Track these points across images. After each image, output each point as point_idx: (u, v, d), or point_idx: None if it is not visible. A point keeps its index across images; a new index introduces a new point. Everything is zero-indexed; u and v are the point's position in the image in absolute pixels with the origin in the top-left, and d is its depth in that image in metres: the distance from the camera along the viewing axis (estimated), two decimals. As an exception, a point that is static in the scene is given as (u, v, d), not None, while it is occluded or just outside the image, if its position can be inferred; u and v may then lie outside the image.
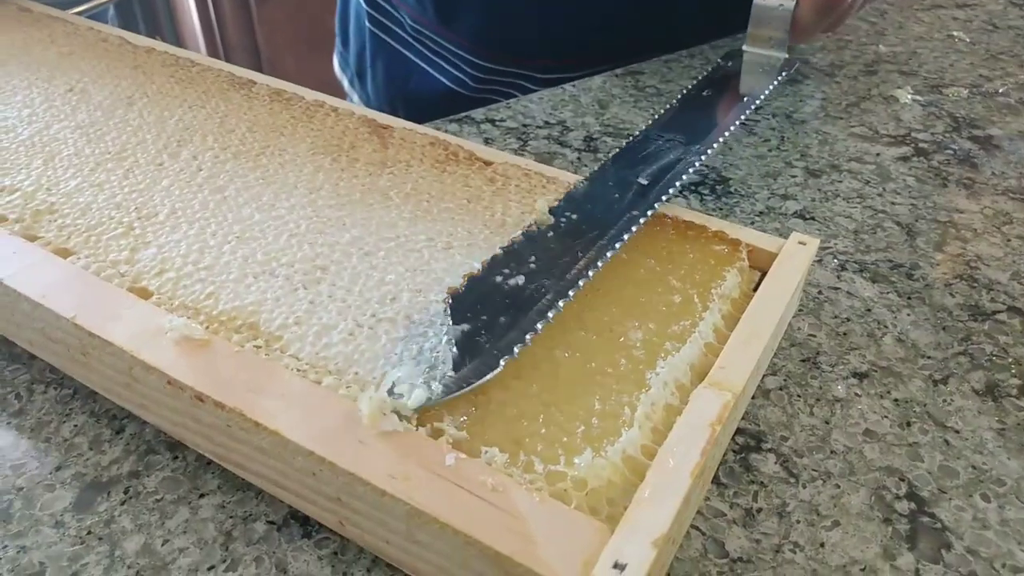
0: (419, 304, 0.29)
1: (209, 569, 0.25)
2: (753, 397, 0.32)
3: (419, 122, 0.42)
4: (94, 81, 0.44)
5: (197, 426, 0.27)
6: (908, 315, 0.36)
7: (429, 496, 0.22)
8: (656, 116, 0.43)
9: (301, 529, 0.27)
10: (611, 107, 0.51)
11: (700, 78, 0.48)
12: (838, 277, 0.38)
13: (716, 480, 0.28)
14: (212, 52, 1.58)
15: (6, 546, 0.26)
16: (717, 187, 0.44)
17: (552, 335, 0.28)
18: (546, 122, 0.50)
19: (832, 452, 0.30)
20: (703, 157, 0.38)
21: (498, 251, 0.32)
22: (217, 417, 0.26)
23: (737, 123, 0.42)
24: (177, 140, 0.39)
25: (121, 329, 0.28)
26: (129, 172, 0.37)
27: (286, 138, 0.39)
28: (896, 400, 0.32)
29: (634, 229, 0.32)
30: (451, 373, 0.26)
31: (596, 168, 0.37)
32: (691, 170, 0.37)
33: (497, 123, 0.50)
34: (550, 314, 0.28)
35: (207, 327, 0.28)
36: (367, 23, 0.69)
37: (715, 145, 0.40)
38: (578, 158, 0.46)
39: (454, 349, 0.27)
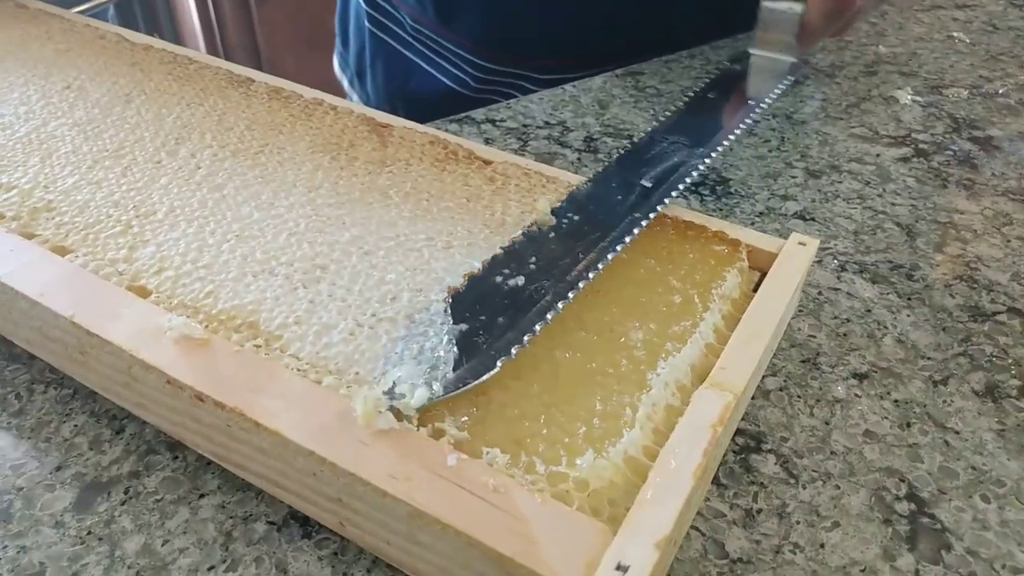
0: (419, 304, 0.29)
1: (209, 569, 0.25)
2: (753, 398, 0.32)
3: (419, 122, 0.42)
4: (91, 78, 0.44)
5: (196, 426, 0.27)
6: (908, 316, 0.36)
7: (431, 497, 0.22)
8: (661, 118, 0.43)
9: (301, 529, 0.27)
10: (611, 107, 0.51)
11: (707, 81, 0.48)
12: (838, 278, 0.38)
13: (716, 481, 0.29)
14: (212, 52, 1.58)
15: (6, 546, 0.26)
16: (717, 188, 0.44)
17: (553, 335, 0.28)
18: (546, 122, 0.50)
19: (832, 453, 0.30)
20: (707, 160, 0.38)
21: (499, 251, 0.32)
22: (217, 417, 0.26)
23: (742, 127, 0.42)
24: (175, 138, 0.39)
25: (120, 328, 0.27)
26: (127, 170, 0.36)
27: (285, 136, 0.39)
28: (896, 401, 0.32)
29: (636, 231, 0.32)
30: (451, 373, 0.26)
31: (600, 169, 0.37)
32: (695, 173, 0.37)
33: (497, 123, 0.50)
34: (549, 316, 0.28)
35: (206, 326, 0.28)
36: (366, 23, 0.69)
37: (720, 148, 0.39)
38: (578, 158, 0.46)
39: (455, 348, 0.27)
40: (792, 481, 0.29)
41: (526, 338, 0.27)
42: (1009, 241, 0.41)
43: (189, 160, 0.37)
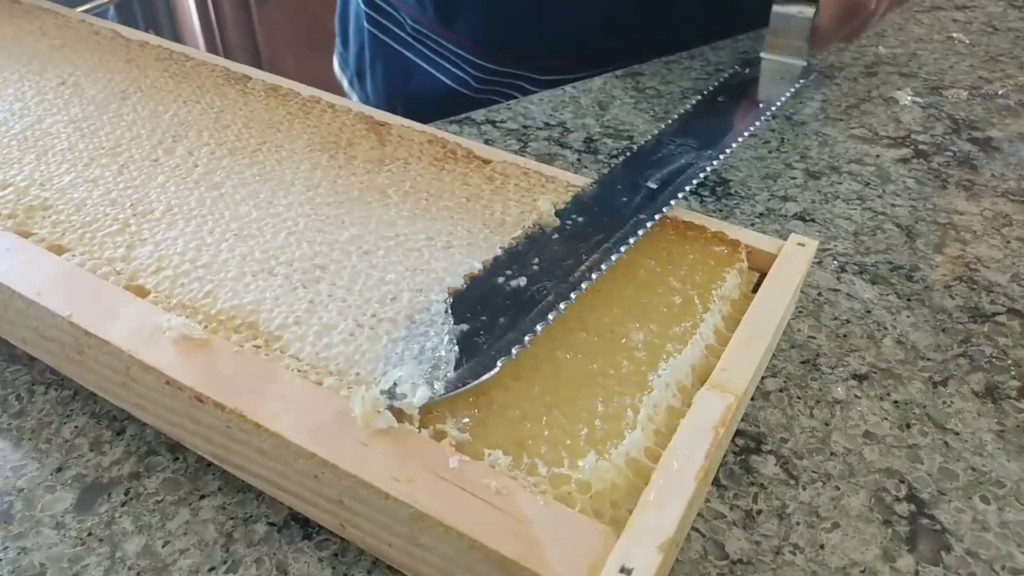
0: (420, 304, 0.29)
1: (210, 570, 0.25)
2: (753, 399, 0.32)
3: (420, 123, 0.41)
4: (87, 75, 0.44)
5: (196, 427, 0.27)
6: (908, 317, 0.36)
7: (433, 499, 0.22)
8: (668, 120, 0.43)
9: (302, 530, 0.27)
10: (611, 108, 0.51)
11: (716, 84, 0.48)
12: (838, 279, 0.38)
13: (716, 482, 0.29)
14: (212, 52, 1.57)
15: (7, 547, 0.26)
16: (717, 189, 0.44)
17: (554, 336, 0.28)
18: (546, 123, 0.50)
19: (832, 454, 0.30)
20: (714, 163, 0.38)
21: (502, 253, 0.32)
22: (217, 418, 0.25)
23: (751, 130, 0.42)
24: (172, 136, 0.39)
25: (118, 328, 0.27)
26: (124, 168, 0.36)
27: (282, 134, 0.39)
28: (896, 402, 0.32)
29: (640, 232, 0.32)
30: (452, 372, 0.26)
31: (606, 171, 0.37)
32: (702, 175, 0.37)
33: (497, 124, 0.50)
34: (551, 316, 0.28)
35: (206, 326, 0.28)
36: (365, 24, 0.69)
37: (727, 151, 0.39)
38: (578, 159, 0.46)
39: (455, 347, 0.27)
40: (792, 482, 0.29)
41: (527, 338, 0.27)
42: (1009, 242, 0.41)
43: (186, 158, 0.37)
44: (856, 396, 0.32)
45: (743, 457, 0.29)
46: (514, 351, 0.27)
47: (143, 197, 0.34)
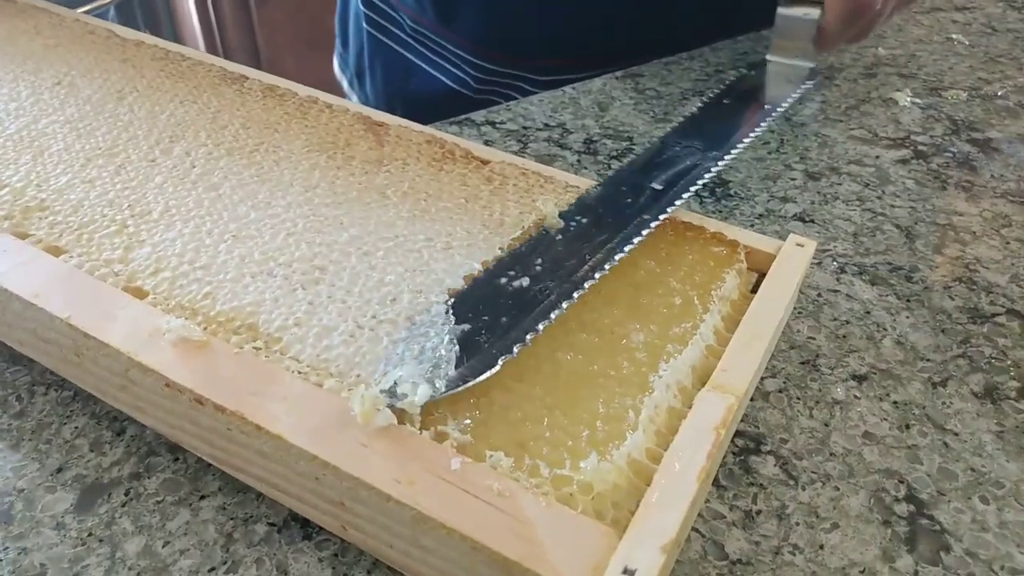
0: (420, 305, 0.29)
1: (210, 571, 0.25)
2: (753, 399, 0.32)
3: (420, 123, 0.41)
4: (82, 74, 0.44)
5: (195, 429, 0.27)
6: (907, 317, 0.36)
7: (435, 501, 0.22)
8: (675, 124, 0.43)
9: (302, 531, 0.27)
10: (611, 109, 0.51)
11: (722, 87, 0.48)
12: (837, 280, 0.38)
13: (716, 482, 0.29)
14: (212, 53, 1.58)
15: (7, 548, 0.26)
16: (717, 189, 0.44)
17: (554, 337, 0.28)
18: (546, 124, 0.50)
19: (831, 454, 0.30)
20: (720, 164, 0.38)
21: (501, 253, 0.32)
22: (217, 420, 0.25)
23: (756, 132, 0.42)
24: (169, 136, 0.39)
25: (117, 330, 0.27)
26: (121, 168, 0.36)
27: (280, 135, 0.39)
28: (895, 402, 0.32)
29: (644, 233, 0.32)
30: (453, 371, 0.26)
31: (611, 173, 0.37)
32: (707, 176, 0.37)
33: (497, 125, 0.50)
34: (553, 315, 0.28)
35: (205, 328, 0.28)
36: (365, 25, 0.69)
37: (733, 153, 0.39)
38: (578, 160, 0.46)
39: (456, 347, 0.27)
40: (791, 482, 0.29)
41: (529, 336, 0.27)
42: (1008, 243, 0.41)
43: (184, 159, 0.37)
44: (855, 397, 0.32)
45: (743, 458, 0.30)
46: (516, 349, 0.27)
47: (141, 198, 0.34)
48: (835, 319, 0.36)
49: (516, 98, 0.54)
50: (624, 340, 0.29)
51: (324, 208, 0.34)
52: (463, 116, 0.50)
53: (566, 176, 0.37)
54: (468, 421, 0.25)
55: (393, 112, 0.42)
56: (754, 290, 0.32)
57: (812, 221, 0.42)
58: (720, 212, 0.42)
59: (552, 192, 0.36)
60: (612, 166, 0.46)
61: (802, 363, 0.34)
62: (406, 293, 0.30)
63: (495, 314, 0.28)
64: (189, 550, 0.26)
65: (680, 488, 0.23)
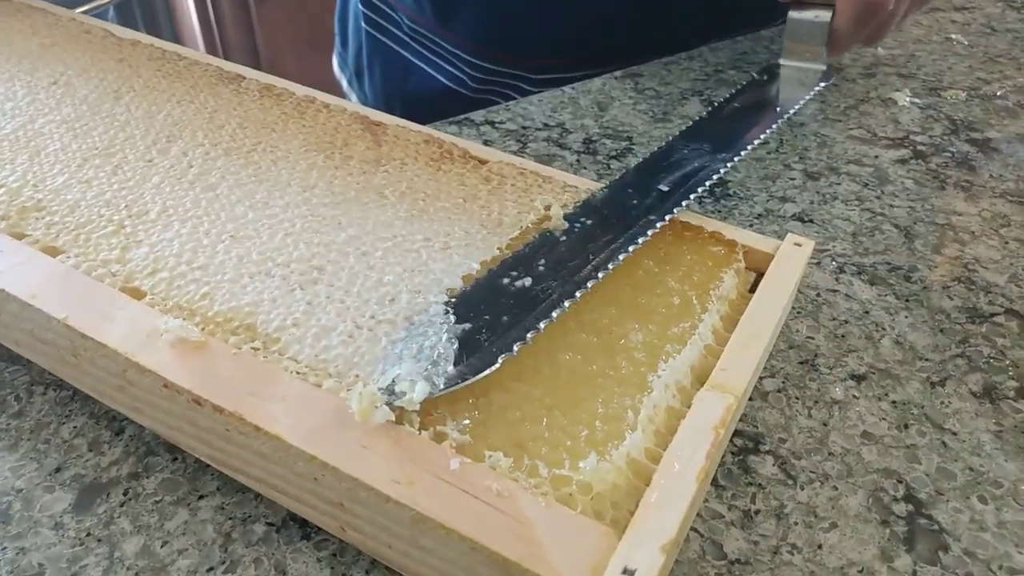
0: (418, 305, 0.29)
1: (208, 571, 0.25)
2: (751, 399, 0.32)
3: (418, 123, 0.41)
4: (79, 74, 0.43)
5: (193, 430, 0.27)
6: (906, 317, 0.36)
7: (434, 501, 0.22)
8: (684, 127, 0.43)
9: (300, 531, 0.27)
10: (610, 109, 0.51)
11: (733, 91, 0.48)
12: (836, 279, 0.38)
13: (714, 482, 0.29)
14: (212, 53, 1.57)
15: (5, 547, 0.26)
16: (716, 190, 0.44)
17: (553, 337, 0.28)
18: (545, 124, 0.50)
19: (830, 454, 0.30)
20: (728, 165, 0.38)
21: (499, 253, 0.32)
22: (215, 421, 0.25)
23: (766, 134, 0.42)
24: (166, 136, 0.38)
25: (115, 331, 0.27)
26: (118, 168, 0.36)
27: (277, 134, 0.39)
28: (894, 402, 0.32)
29: (649, 233, 0.32)
30: (451, 368, 0.26)
31: (617, 176, 0.37)
32: (715, 177, 0.37)
33: (496, 125, 0.50)
34: (554, 313, 0.28)
35: (203, 329, 0.28)
36: (363, 24, 0.69)
37: (741, 154, 0.39)
38: (577, 160, 0.46)
39: (455, 345, 0.27)
40: (790, 482, 0.29)
41: (529, 335, 0.27)
42: (1007, 243, 0.41)
43: (181, 159, 0.37)
44: (854, 396, 0.32)
45: (741, 457, 0.30)
46: (516, 348, 0.27)
47: (138, 198, 0.34)
48: (834, 319, 0.36)
49: (515, 98, 0.54)
50: (623, 340, 0.29)
51: (322, 208, 0.34)
52: (462, 116, 0.50)
53: (564, 176, 0.37)
54: (467, 421, 0.25)
55: (392, 111, 0.42)
56: (752, 290, 0.32)
57: (811, 221, 0.42)
58: (719, 212, 0.42)
59: (550, 192, 0.36)
60: (611, 166, 0.46)
61: (801, 363, 0.34)
62: (404, 293, 0.30)
63: (496, 313, 0.28)
64: (187, 550, 0.26)
65: (679, 488, 0.23)
